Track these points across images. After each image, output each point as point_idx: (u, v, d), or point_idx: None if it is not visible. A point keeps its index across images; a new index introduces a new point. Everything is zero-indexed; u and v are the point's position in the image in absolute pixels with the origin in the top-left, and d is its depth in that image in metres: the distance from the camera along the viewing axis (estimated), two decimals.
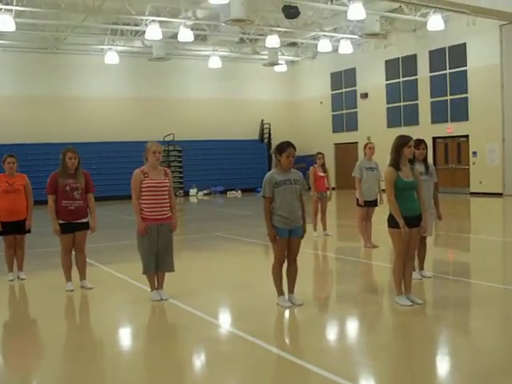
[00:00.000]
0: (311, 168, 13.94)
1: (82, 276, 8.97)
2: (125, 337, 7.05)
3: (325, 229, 13.99)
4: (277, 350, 6.05)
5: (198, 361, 6.03)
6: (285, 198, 7.30)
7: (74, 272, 8.94)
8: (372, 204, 12.05)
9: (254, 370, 5.55)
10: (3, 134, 26.66)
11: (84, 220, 8.76)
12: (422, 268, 8.88)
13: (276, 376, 5.50)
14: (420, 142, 8.51)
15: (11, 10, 21.29)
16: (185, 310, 7.59)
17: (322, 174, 13.88)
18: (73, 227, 8.67)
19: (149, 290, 8.12)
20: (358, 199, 12.02)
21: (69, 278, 8.88)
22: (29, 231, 9.77)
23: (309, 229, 12.47)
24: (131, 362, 5.96)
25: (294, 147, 7.36)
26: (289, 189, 7.32)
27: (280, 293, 7.57)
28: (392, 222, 7.31)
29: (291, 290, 7.62)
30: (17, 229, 9.61)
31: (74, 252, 8.90)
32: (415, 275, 8.36)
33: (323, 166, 13.93)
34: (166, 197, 7.93)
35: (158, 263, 7.98)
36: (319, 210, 13.89)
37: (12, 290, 9.44)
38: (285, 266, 7.55)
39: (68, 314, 8.22)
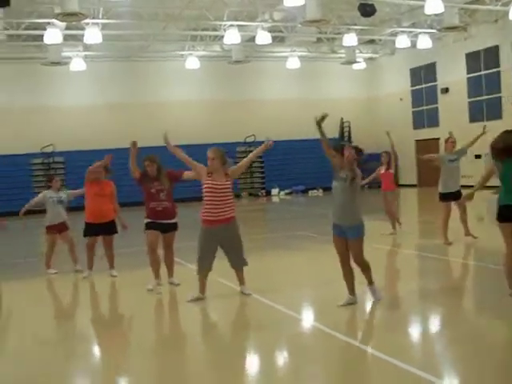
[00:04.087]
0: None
1: (170, 273, 9.44)
2: (210, 331, 7.38)
3: (393, 227, 13.88)
4: (358, 344, 6.25)
5: (282, 355, 6.23)
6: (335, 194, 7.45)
7: (162, 269, 9.35)
8: (455, 196, 11.82)
9: (337, 363, 5.74)
10: (95, 141, 27.49)
11: (173, 221, 9.20)
12: None
13: (358, 369, 5.65)
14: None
15: (98, 24, 22.27)
16: (268, 305, 7.85)
17: (384, 172, 14.03)
18: (161, 227, 9.06)
19: (235, 286, 8.46)
20: (440, 194, 11.99)
21: (157, 275, 9.25)
22: (116, 232, 10.42)
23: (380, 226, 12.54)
24: (216, 356, 6.25)
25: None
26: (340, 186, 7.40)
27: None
28: (500, 216, 7.08)
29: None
30: (104, 230, 10.33)
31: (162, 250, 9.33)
32: None
33: (388, 163, 13.99)
34: (223, 199, 8.14)
35: (230, 262, 8.40)
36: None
37: (104, 286, 10.00)
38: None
39: (157, 308, 8.64)
